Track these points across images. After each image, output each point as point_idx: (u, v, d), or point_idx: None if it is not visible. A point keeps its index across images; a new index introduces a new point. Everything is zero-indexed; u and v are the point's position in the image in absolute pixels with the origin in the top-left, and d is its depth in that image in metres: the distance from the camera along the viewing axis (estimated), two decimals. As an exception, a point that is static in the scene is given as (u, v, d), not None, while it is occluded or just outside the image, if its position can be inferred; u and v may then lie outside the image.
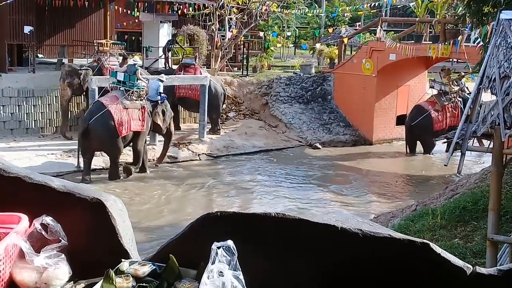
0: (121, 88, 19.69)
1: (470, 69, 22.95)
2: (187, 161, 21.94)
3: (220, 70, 28.79)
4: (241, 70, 30.29)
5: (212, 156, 22.88)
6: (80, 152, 19.38)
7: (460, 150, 8.05)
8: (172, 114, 21.05)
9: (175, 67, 25.56)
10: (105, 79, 21.78)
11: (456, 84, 24.71)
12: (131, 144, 19.88)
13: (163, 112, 20.36)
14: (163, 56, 26.53)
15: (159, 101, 20.25)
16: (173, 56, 27.26)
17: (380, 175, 22.05)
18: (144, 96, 19.88)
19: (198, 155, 22.58)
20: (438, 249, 2.50)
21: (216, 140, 23.50)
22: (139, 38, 31.13)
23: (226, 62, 29.50)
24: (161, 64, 26.88)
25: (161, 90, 20.38)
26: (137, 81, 19.77)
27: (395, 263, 2.50)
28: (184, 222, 12.78)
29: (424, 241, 2.52)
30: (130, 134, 19.49)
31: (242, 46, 31.88)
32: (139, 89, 19.74)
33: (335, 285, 2.53)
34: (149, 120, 19.89)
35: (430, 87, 25.39)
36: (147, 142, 21.13)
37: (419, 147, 24.93)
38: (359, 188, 20.35)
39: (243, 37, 30.84)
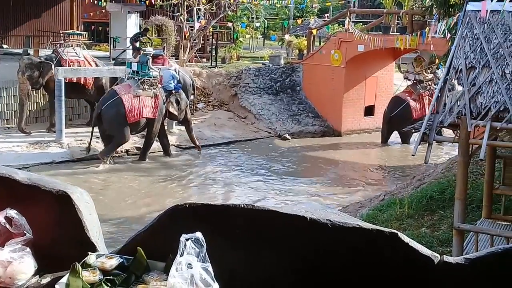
0: (135, 78, 20.46)
1: (437, 59, 23.20)
2: (155, 152, 21.78)
3: (189, 61, 28.61)
4: (210, 61, 30.17)
5: (181, 147, 22.75)
6: (96, 137, 20.17)
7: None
8: (188, 102, 21.92)
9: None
10: (71, 70, 21.53)
11: (429, 72, 24.93)
12: (146, 130, 20.68)
13: (177, 101, 21.06)
14: (131, 47, 26.26)
15: (173, 90, 21.00)
16: (141, 46, 26.99)
17: (349, 166, 22.19)
18: (157, 84, 20.65)
19: (167, 146, 22.43)
20: (406, 239, 2.51)
21: (185, 131, 23.36)
22: (106, 29, 30.77)
23: (195, 53, 29.32)
24: (129, 55, 26.60)
25: (175, 78, 21.29)
26: (148, 70, 20.55)
27: (364, 252, 2.51)
28: (153, 214, 12.69)
29: (393, 230, 2.53)
30: (143, 121, 20.20)
31: (210, 37, 31.72)
32: (151, 77, 20.49)
33: (305, 276, 2.53)
34: (163, 108, 20.59)
35: (405, 78, 25.53)
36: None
37: (391, 138, 25.12)
38: (328, 178, 20.45)
39: (211, 28, 30.68)
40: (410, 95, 24.36)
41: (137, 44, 25.86)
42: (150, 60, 21.06)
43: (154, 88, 20.52)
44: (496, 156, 10.00)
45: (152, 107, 20.29)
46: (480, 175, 12.78)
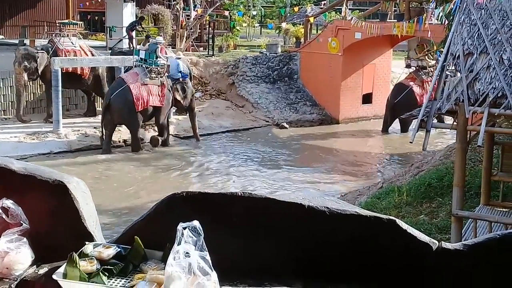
0: (143, 65, 20.86)
1: (435, 46, 23.14)
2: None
3: (186, 50, 28.53)
4: (207, 50, 30.08)
5: (179, 136, 22.73)
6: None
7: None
8: (194, 91, 22.52)
9: (139, 47, 25.25)
10: (68, 60, 21.47)
11: (431, 58, 24.74)
12: (154, 118, 21.14)
13: (184, 89, 21.54)
14: (127, 36, 26.19)
15: (180, 79, 21.46)
16: (137, 36, 26.92)
17: (347, 154, 22.18)
18: (164, 73, 21.09)
19: (165, 136, 22.40)
20: (404, 225, 2.50)
21: (183, 120, 23.32)
22: (102, 18, 30.66)
23: (192, 42, 29.25)
24: (125, 44, 26.54)
25: (182, 68, 21.68)
26: (156, 59, 20.96)
27: (362, 240, 2.51)
28: (150, 203, 12.68)
29: (391, 217, 2.52)
30: (151, 109, 20.61)
31: (207, 26, 31.62)
32: (158, 66, 20.92)
33: (303, 263, 2.53)
34: (169, 97, 21.04)
35: (406, 65, 25.40)
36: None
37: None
38: (327, 167, 20.45)
39: (208, 17, 30.59)
40: (414, 81, 24.17)
41: (134, 34, 25.79)
42: (159, 49, 21.43)
43: (161, 77, 20.89)
44: (494, 142, 10.00)
45: (159, 95, 20.67)
46: (478, 162, 12.80)
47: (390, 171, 19.12)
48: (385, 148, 23.13)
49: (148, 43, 22.08)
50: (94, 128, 21.40)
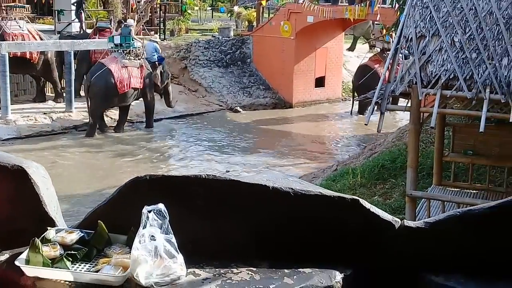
0: (119, 50, 20.88)
1: (384, 30, 23.37)
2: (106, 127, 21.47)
3: (137, 34, 28.12)
4: (158, 34, 29.76)
5: (131, 121, 22.48)
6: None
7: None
8: (170, 74, 22.83)
9: (89, 31, 24.83)
10: (15, 45, 20.94)
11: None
12: (143, 101, 21.59)
13: (161, 73, 21.70)
14: (76, 20, 25.70)
15: (157, 62, 21.59)
16: (86, 19, 26.42)
17: (301, 137, 22.34)
18: (141, 55, 21.22)
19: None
20: (367, 205, 2.53)
21: (136, 105, 23.03)
22: (49, 1, 29.97)
23: (143, 25, 28.85)
24: (74, 28, 26.01)
25: (158, 51, 22.02)
26: (132, 40, 21.14)
27: (326, 219, 2.53)
28: (110, 189, 12.58)
29: (354, 197, 2.55)
30: (131, 92, 20.65)
31: (158, 9, 31.26)
32: (135, 48, 21.13)
33: (268, 244, 2.53)
34: (150, 78, 21.21)
35: (372, 46, 25.43)
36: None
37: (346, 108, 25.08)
38: (281, 150, 20.56)
39: (159, 0, 30.23)
40: (378, 63, 24.20)
41: (83, 17, 25.37)
42: (133, 31, 21.66)
43: (139, 59, 21.02)
44: (445, 123, 10.21)
45: (139, 77, 20.78)
46: (429, 143, 13.06)
47: (345, 153, 19.35)
48: (340, 131, 23.36)
49: (120, 28, 22.03)
50: (44, 113, 20.98)
